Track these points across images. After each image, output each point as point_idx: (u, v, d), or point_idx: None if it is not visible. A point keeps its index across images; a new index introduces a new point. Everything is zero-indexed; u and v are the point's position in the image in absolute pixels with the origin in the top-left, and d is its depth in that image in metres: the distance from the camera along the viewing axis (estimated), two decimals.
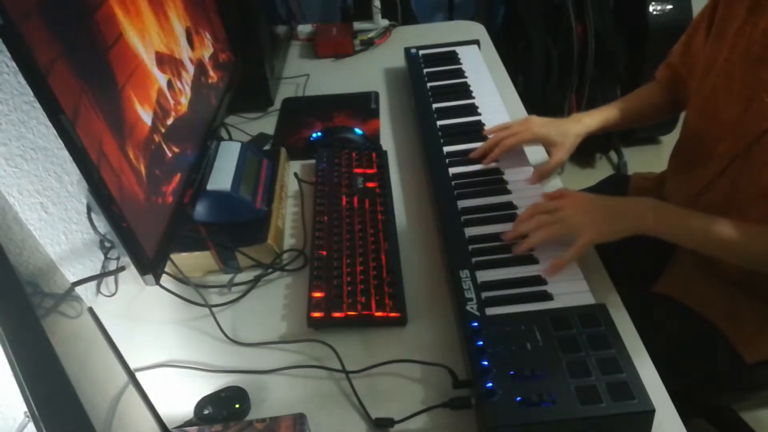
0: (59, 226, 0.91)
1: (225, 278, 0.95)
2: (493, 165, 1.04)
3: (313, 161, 1.14)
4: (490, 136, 1.07)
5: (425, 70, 1.34)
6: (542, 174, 1.02)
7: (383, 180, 1.06)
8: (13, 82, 0.81)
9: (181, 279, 0.92)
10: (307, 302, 0.86)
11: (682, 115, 1.06)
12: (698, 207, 0.90)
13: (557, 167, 1.04)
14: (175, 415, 0.76)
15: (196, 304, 0.90)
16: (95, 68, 0.68)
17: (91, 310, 0.67)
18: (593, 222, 0.84)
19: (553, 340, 0.71)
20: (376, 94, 1.38)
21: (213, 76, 1.07)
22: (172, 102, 0.87)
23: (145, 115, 0.78)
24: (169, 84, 0.87)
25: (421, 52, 1.41)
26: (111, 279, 0.97)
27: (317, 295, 0.86)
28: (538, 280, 0.83)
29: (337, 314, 0.84)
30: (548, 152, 1.07)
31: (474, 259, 0.86)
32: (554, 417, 0.64)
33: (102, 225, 0.96)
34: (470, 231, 0.91)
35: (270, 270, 0.95)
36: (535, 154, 1.11)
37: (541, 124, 1.05)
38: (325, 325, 0.85)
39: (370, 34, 1.60)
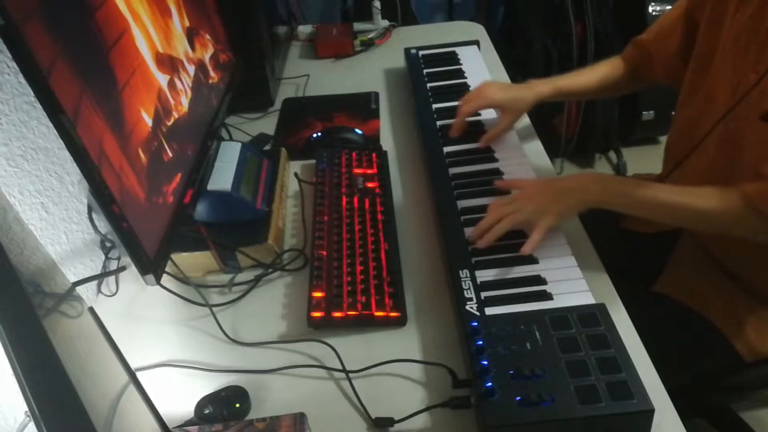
0: (60, 226, 0.91)
1: (225, 278, 0.95)
2: (492, 165, 1.05)
3: (313, 161, 1.14)
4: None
5: (425, 71, 1.34)
6: (489, 138, 1.09)
7: (383, 180, 1.06)
8: (13, 82, 0.81)
9: (182, 279, 0.92)
10: (308, 302, 0.86)
11: None
12: None
13: (504, 131, 1.10)
14: (175, 414, 0.76)
15: (197, 303, 0.90)
16: (96, 69, 0.68)
17: (91, 310, 0.67)
18: (545, 206, 0.88)
19: (553, 340, 0.71)
20: (376, 94, 1.38)
21: (213, 76, 1.07)
22: (172, 102, 0.87)
23: (146, 116, 0.78)
24: (170, 84, 0.87)
25: (421, 52, 1.41)
26: (112, 279, 0.97)
27: (317, 294, 0.86)
28: (538, 280, 0.83)
29: (337, 314, 0.84)
30: (500, 115, 1.12)
31: (473, 259, 0.86)
32: (554, 416, 0.64)
33: (103, 225, 0.96)
34: (470, 231, 0.91)
35: (270, 270, 0.95)
36: (533, 151, 1.12)
37: (495, 91, 1.12)
38: (325, 325, 0.85)
39: (370, 35, 1.60)
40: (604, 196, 0.88)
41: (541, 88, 1.10)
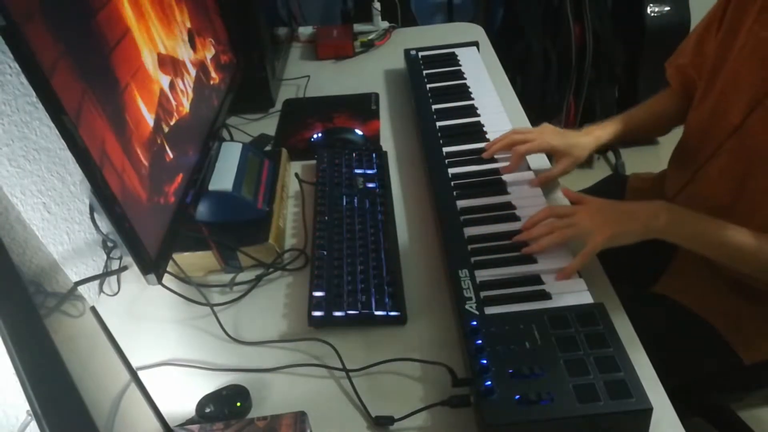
0: (62, 226, 0.92)
1: (226, 278, 0.95)
2: (492, 165, 1.05)
3: (313, 162, 1.14)
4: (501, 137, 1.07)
5: (425, 72, 1.34)
6: (544, 180, 1.02)
7: (383, 180, 1.06)
8: (15, 83, 0.81)
9: (183, 278, 0.93)
10: (308, 301, 0.86)
11: None
12: (704, 209, 0.87)
13: (560, 176, 1.04)
14: (176, 413, 0.76)
15: (198, 303, 0.91)
16: (98, 69, 0.69)
17: (93, 310, 0.67)
18: (604, 224, 0.83)
19: (552, 339, 0.71)
20: (376, 95, 1.38)
21: (215, 77, 1.07)
22: (174, 103, 0.88)
23: (148, 116, 0.79)
24: (171, 85, 0.88)
25: (421, 53, 1.41)
26: (113, 278, 0.97)
27: (318, 294, 0.87)
28: (537, 280, 0.83)
29: (337, 313, 0.84)
30: (556, 160, 1.06)
31: (473, 259, 0.87)
32: (552, 415, 0.64)
33: (104, 225, 0.97)
34: (469, 231, 0.91)
35: (271, 269, 0.95)
36: (534, 155, 1.12)
37: (554, 134, 1.05)
38: (325, 324, 0.85)
39: (370, 36, 1.60)
40: (674, 228, 0.82)
41: (599, 133, 1.04)
